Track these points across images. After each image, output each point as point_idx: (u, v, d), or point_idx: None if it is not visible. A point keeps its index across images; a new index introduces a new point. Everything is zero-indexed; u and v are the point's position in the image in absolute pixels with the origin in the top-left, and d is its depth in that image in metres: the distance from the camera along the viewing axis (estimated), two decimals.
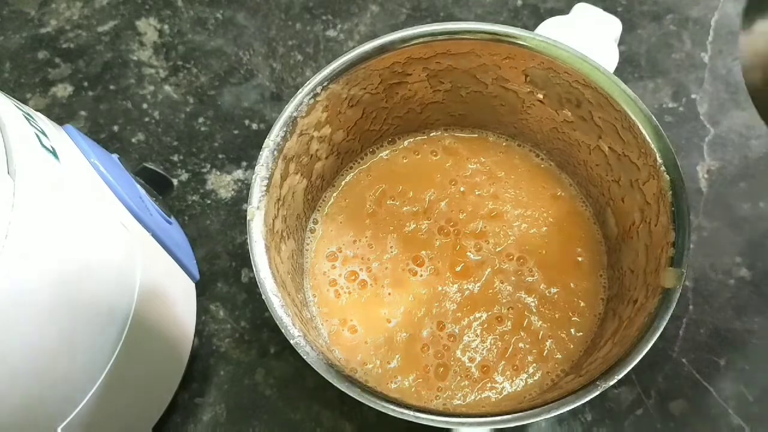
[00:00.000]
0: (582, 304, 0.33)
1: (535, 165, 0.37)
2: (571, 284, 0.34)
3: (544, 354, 0.32)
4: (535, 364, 0.32)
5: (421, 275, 0.34)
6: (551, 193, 0.36)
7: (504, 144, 0.37)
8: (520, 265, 0.34)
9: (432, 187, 0.36)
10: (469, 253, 0.34)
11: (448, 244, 0.35)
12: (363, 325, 0.33)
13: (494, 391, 0.31)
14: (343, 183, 0.36)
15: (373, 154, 0.37)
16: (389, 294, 0.33)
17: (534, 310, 0.33)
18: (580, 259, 0.34)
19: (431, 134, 0.38)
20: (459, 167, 0.37)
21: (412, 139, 0.38)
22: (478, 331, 0.32)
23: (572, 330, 0.33)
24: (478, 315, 0.33)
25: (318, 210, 0.36)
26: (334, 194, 0.36)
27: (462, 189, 0.36)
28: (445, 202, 0.36)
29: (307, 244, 0.35)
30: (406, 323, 0.33)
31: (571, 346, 0.32)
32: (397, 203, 0.36)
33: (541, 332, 0.32)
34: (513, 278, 0.34)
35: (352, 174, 0.37)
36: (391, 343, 0.32)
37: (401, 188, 0.36)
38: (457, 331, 0.32)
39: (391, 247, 0.34)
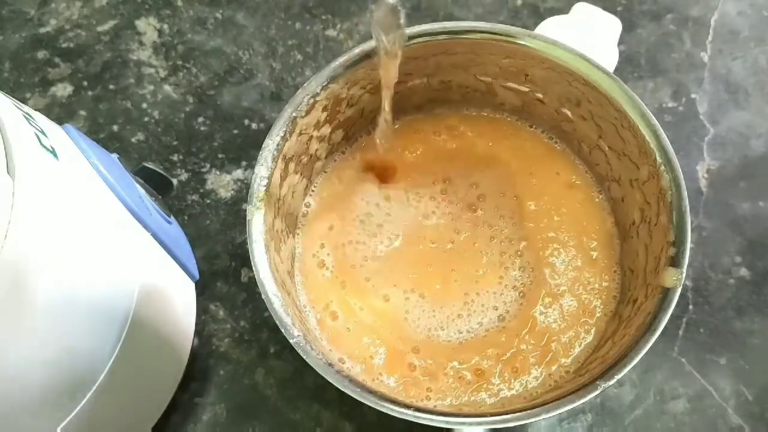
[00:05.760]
0: (595, 302, 0.32)
1: (550, 148, 0.35)
2: (585, 281, 0.32)
3: (548, 357, 0.31)
4: (537, 367, 0.30)
5: (416, 270, 0.33)
6: (566, 181, 0.34)
7: (516, 124, 0.36)
8: (528, 259, 0.33)
9: (434, 171, 0.35)
10: (471, 244, 0.33)
11: (448, 236, 0.33)
12: (344, 312, 0.32)
13: (489, 393, 0.30)
14: (334, 167, 0.35)
15: (369, 136, 0.36)
16: (379, 289, 0.32)
17: (541, 310, 0.32)
18: (594, 254, 0.33)
19: (434, 112, 0.36)
20: (463, 149, 0.35)
21: (412, 117, 0.36)
22: (476, 334, 0.31)
23: (581, 331, 0.31)
24: (476, 316, 0.32)
25: (310, 195, 0.35)
26: (326, 178, 0.35)
27: (465, 173, 0.34)
28: (447, 187, 0.34)
29: (299, 229, 0.34)
30: (390, 317, 0.32)
31: (578, 349, 0.31)
32: (396, 188, 0.34)
33: (547, 335, 0.31)
34: (519, 273, 0.32)
35: (345, 156, 0.35)
36: (378, 337, 0.31)
37: (400, 172, 0.35)
38: (454, 333, 0.32)
39: (389, 237, 0.33)
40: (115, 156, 0.34)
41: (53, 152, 0.25)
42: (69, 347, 0.26)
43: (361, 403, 0.25)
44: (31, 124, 0.25)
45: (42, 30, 0.47)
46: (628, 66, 0.45)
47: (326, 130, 0.33)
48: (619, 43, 0.38)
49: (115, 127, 0.44)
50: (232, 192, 0.42)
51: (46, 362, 0.25)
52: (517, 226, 0.34)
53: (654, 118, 0.29)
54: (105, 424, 0.30)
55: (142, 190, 0.34)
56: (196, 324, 0.37)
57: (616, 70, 0.36)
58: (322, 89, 0.31)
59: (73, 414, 0.27)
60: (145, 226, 0.31)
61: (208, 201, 0.41)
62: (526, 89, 0.34)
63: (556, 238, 0.33)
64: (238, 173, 0.42)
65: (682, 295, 0.34)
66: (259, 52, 0.46)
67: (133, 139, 0.43)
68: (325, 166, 0.35)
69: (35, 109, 0.28)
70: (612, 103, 0.30)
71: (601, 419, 0.36)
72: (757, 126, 0.43)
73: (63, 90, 0.45)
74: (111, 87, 0.45)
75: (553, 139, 0.35)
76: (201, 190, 0.42)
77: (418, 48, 0.32)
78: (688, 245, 0.28)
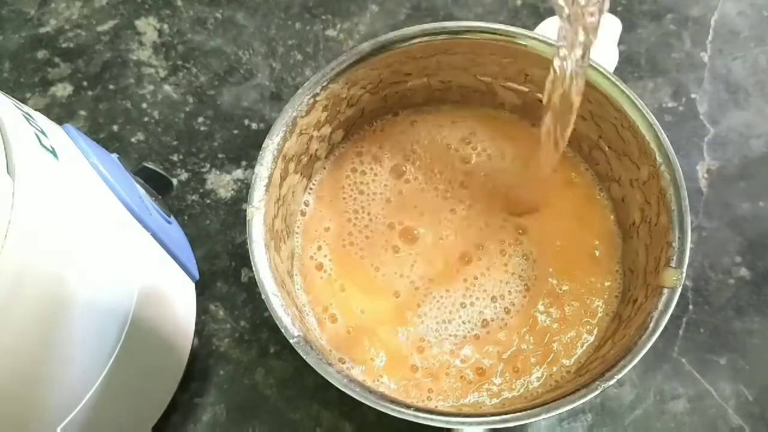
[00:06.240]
0: (597, 302, 0.31)
1: None
2: (587, 280, 0.32)
3: (550, 357, 0.30)
4: (538, 367, 0.30)
5: (412, 270, 0.32)
6: (565, 178, 0.34)
7: (518, 122, 0.35)
8: (528, 258, 0.33)
9: (431, 166, 0.34)
10: (468, 243, 0.33)
11: (450, 228, 0.33)
12: (343, 314, 0.31)
13: (490, 393, 0.30)
14: (333, 164, 0.35)
15: (370, 126, 0.36)
16: (376, 280, 0.32)
17: (542, 310, 0.31)
18: (596, 253, 0.33)
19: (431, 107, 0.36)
20: (459, 145, 0.35)
21: (412, 110, 0.36)
22: (478, 328, 0.31)
23: (583, 332, 0.31)
24: (479, 306, 0.32)
25: (309, 193, 0.35)
26: (324, 175, 0.35)
27: (465, 167, 0.34)
28: (448, 181, 0.34)
29: (297, 228, 0.34)
30: (394, 316, 0.31)
31: (581, 349, 0.31)
32: (392, 181, 0.34)
33: (548, 334, 0.31)
34: (520, 272, 0.32)
35: (344, 152, 0.35)
36: (377, 337, 0.31)
37: (399, 163, 0.35)
38: (457, 325, 0.31)
39: (389, 232, 0.33)
40: (115, 156, 0.34)
41: (53, 152, 0.25)
42: (69, 347, 0.26)
43: (361, 403, 0.25)
44: (31, 124, 0.25)
45: (42, 30, 0.47)
46: (628, 66, 0.45)
47: (326, 130, 0.33)
48: (619, 43, 0.38)
49: (115, 127, 0.44)
50: (232, 192, 0.42)
51: (46, 362, 0.25)
52: (518, 223, 0.33)
53: (654, 118, 0.29)
54: (105, 424, 0.30)
55: (142, 190, 0.34)
56: (196, 324, 0.37)
57: (616, 70, 0.36)
58: (322, 89, 0.31)
59: (72, 414, 0.27)
60: (145, 226, 0.31)
61: (208, 201, 0.41)
62: (526, 89, 0.34)
63: (557, 236, 0.33)
64: (238, 173, 0.42)
65: (682, 295, 0.34)
66: (259, 52, 0.46)
67: (133, 139, 0.43)
68: (324, 163, 0.35)
69: (35, 109, 0.28)
70: (612, 103, 0.30)
71: (601, 419, 0.36)
72: (757, 126, 0.43)
73: (63, 90, 0.45)
74: (111, 87, 0.45)
75: None
76: (201, 190, 0.42)
77: (418, 48, 0.32)
78: (688, 245, 0.28)
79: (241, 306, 0.39)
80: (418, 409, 0.25)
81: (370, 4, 0.47)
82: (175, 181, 0.42)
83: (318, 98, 0.31)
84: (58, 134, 0.28)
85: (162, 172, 0.39)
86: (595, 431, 0.36)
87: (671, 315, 0.26)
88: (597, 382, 0.26)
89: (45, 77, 0.45)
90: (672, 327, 0.37)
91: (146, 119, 0.44)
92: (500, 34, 0.31)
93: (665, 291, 0.27)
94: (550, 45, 0.31)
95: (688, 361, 0.37)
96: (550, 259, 0.33)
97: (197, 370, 0.37)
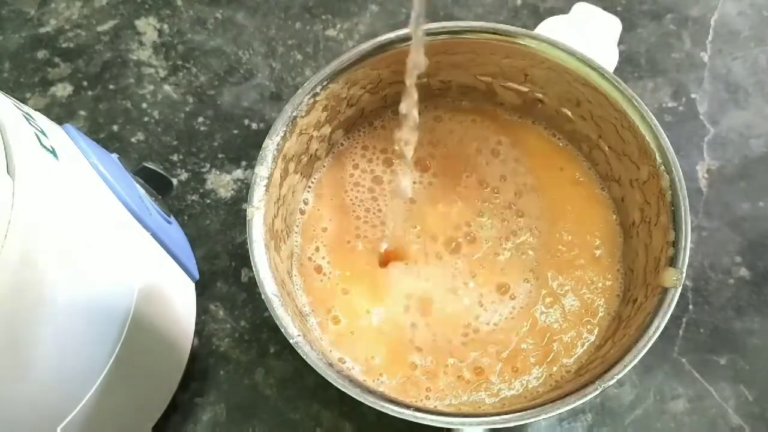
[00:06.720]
0: (598, 301, 0.31)
1: (553, 144, 0.35)
2: (588, 280, 0.32)
3: (550, 357, 0.30)
4: (538, 366, 0.30)
5: (410, 267, 0.32)
6: (570, 176, 0.34)
7: (519, 121, 0.35)
8: (531, 256, 0.32)
9: (436, 162, 0.34)
10: (474, 236, 0.33)
11: (450, 227, 0.33)
12: (347, 316, 0.31)
13: (489, 393, 0.30)
14: (332, 163, 0.35)
15: (371, 125, 0.35)
16: (376, 278, 0.32)
17: (542, 309, 0.31)
18: (598, 252, 0.32)
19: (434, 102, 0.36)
20: (462, 143, 0.35)
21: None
22: (479, 329, 0.31)
23: (584, 331, 0.31)
24: (477, 311, 0.31)
25: (308, 191, 0.34)
26: (323, 174, 0.35)
27: (467, 165, 0.34)
28: (449, 179, 0.34)
29: (296, 227, 0.33)
30: (394, 315, 0.31)
31: (581, 349, 0.31)
32: (395, 181, 0.34)
33: (548, 334, 0.31)
34: (522, 270, 0.32)
35: (342, 150, 0.35)
36: (378, 338, 0.31)
37: (398, 163, 0.34)
38: (458, 326, 0.31)
39: (388, 231, 0.33)
40: (114, 156, 0.34)
41: (53, 152, 0.25)
42: (69, 347, 0.26)
43: (361, 403, 0.25)
44: (31, 124, 0.25)
45: (42, 30, 0.47)
46: (628, 66, 0.45)
47: (326, 130, 0.33)
48: (619, 43, 0.38)
49: (115, 127, 0.44)
50: (232, 192, 0.42)
51: (46, 362, 0.25)
52: (520, 221, 0.33)
53: (654, 118, 0.29)
54: (105, 424, 0.30)
55: (142, 190, 0.34)
56: (196, 324, 0.37)
57: (616, 70, 0.36)
58: (322, 89, 0.31)
59: (73, 414, 0.27)
60: (145, 226, 0.31)
61: (208, 201, 0.41)
62: (526, 89, 0.34)
63: (559, 234, 0.33)
64: (238, 173, 0.42)
65: (682, 295, 0.34)
66: (259, 52, 0.46)
67: (133, 139, 0.43)
68: (324, 162, 0.35)
69: (35, 109, 0.28)
70: (612, 103, 0.30)
71: (601, 419, 0.36)
72: (757, 126, 0.43)
73: (63, 90, 0.45)
74: (111, 87, 0.45)
75: (556, 136, 0.35)
76: (201, 190, 0.42)
77: None
78: (688, 245, 0.28)
79: (241, 306, 0.39)
80: (417, 409, 0.25)
81: (370, 4, 0.47)
82: (175, 181, 0.42)
83: (318, 98, 0.31)
84: (58, 134, 0.28)
85: (162, 172, 0.39)
86: (595, 431, 0.36)
87: (671, 315, 0.26)
88: (597, 382, 0.26)
89: (45, 77, 0.45)
90: (672, 327, 0.37)
91: (146, 119, 0.44)
92: (500, 34, 0.31)
93: (665, 291, 0.27)
94: (551, 45, 0.31)
95: (688, 361, 0.37)
96: (551, 257, 0.33)
97: (197, 370, 0.37)
